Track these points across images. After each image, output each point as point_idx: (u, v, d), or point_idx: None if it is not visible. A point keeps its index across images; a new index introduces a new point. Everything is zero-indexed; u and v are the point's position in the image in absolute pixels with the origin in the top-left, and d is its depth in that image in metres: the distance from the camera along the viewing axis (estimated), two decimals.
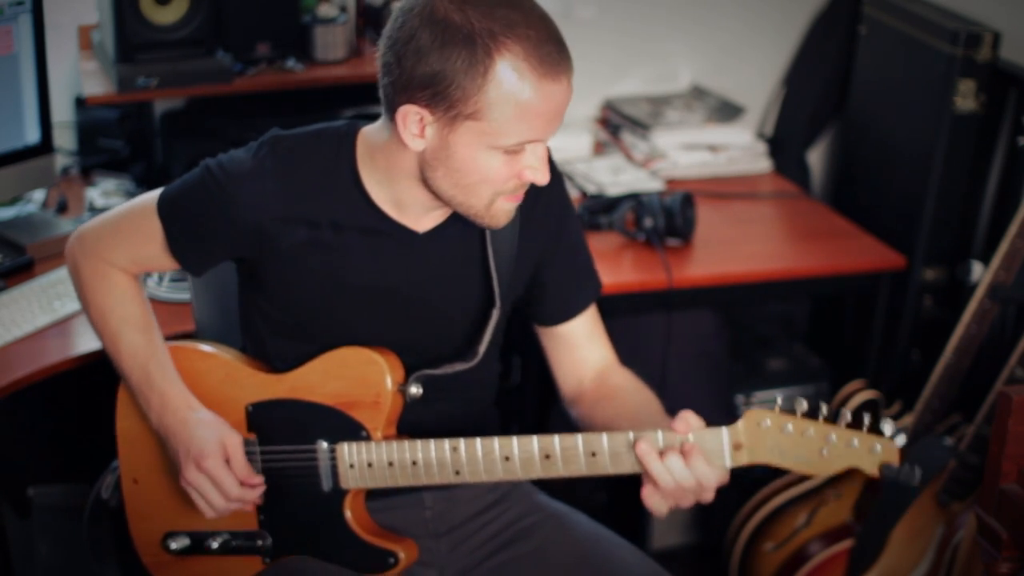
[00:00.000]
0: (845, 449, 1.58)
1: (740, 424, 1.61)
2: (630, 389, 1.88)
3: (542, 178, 1.64)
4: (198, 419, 1.76)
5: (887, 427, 1.59)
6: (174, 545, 1.86)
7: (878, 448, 1.58)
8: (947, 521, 2.50)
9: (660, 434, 1.64)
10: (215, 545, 1.85)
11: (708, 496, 1.64)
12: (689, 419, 1.63)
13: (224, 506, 1.75)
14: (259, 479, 1.77)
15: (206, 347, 1.86)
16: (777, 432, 1.60)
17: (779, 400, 1.62)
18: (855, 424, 1.59)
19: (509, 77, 1.53)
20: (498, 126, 1.56)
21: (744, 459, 1.62)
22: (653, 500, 1.65)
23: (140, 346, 1.81)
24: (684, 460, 1.60)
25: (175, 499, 1.86)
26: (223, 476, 1.73)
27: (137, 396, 1.81)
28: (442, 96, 1.55)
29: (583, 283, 1.92)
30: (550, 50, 1.54)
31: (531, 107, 1.55)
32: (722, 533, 2.84)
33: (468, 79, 1.53)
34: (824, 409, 1.60)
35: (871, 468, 1.59)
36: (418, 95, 1.57)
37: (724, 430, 1.62)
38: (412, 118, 1.59)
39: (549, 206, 1.83)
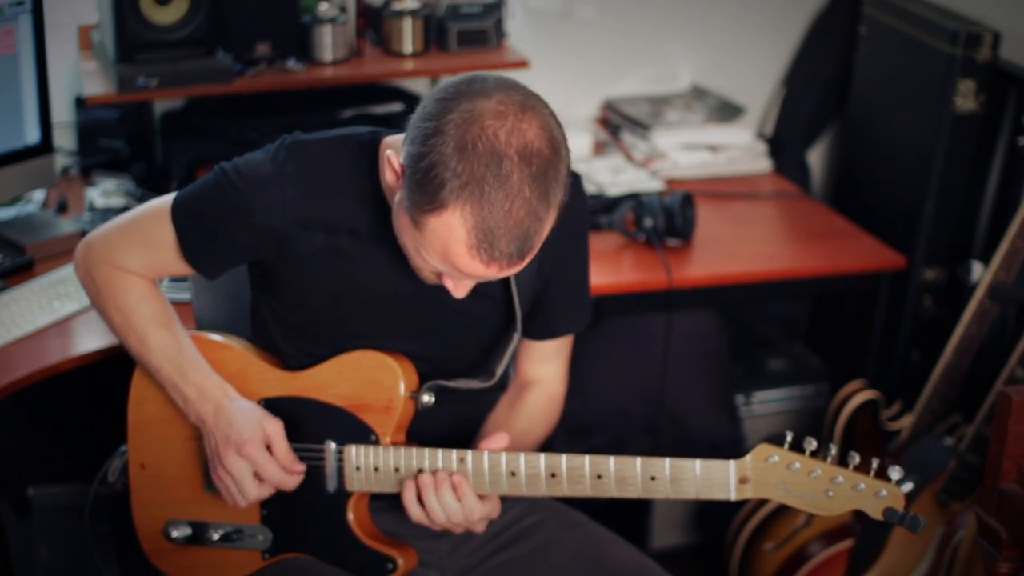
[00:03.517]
0: (851, 492, 1.59)
1: (748, 458, 1.62)
2: (527, 414, 1.90)
3: (456, 294, 1.64)
4: (236, 407, 1.76)
5: (894, 473, 1.59)
6: (175, 533, 1.87)
7: (883, 493, 1.59)
8: (947, 521, 2.50)
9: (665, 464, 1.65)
10: (216, 537, 1.86)
11: (479, 528, 1.76)
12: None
13: (257, 494, 1.75)
14: (301, 467, 1.77)
15: (219, 337, 1.87)
16: (784, 469, 1.61)
17: (789, 436, 1.62)
18: (862, 467, 1.60)
19: (450, 227, 1.51)
20: (426, 245, 1.56)
21: (749, 493, 1.63)
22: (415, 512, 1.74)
23: (168, 342, 1.81)
24: (456, 492, 1.70)
25: (181, 487, 1.86)
26: (264, 461, 1.74)
27: (169, 390, 1.81)
28: (410, 182, 1.54)
29: (573, 311, 1.91)
30: (499, 239, 1.50)
31: (454, 261, 1.54)
32: (722, 533, 2.84)
33: (427, 198, 1.51)
34: (833, 449, 1.61)
35: (875, 512, 1.60)
36: (405, 158, 1.55)
37: (731, 463, 1.63)
38: (394, 166, 1.59)
39: (569, 229, 1.79)
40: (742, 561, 2.76)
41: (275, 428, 1.75)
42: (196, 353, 1.81)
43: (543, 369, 1.93)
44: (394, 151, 1.61)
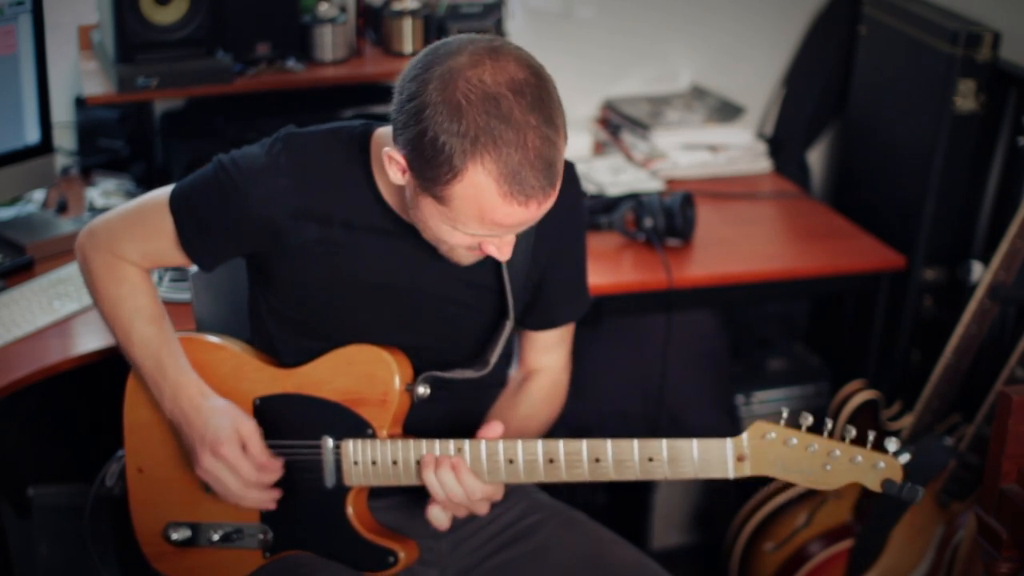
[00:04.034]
0: (848, 465, 1.59)
1: (744, 436, 1.62)
2: (530, 400, 1.91)
3: (501, 257, 1.65)
4: (212, 407, 1.77)
5: (891, 444, 1.59)
6: (175, 536, 1.87)
7: (881, 465, 1.59)
8: (947, 521, 2.50)
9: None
10: (216, 537, 1.86)
11: (481, 509, 1.75)
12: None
13: (242, 491, 1.76)
14: (277, 463, 1.77)
15: (215, 339, 1.87)
16: (780, 445, 1.61)
17: (784, 413, 1.62)
18: (859, 440, 1.60)
19: (477, 185, 1.52)
20: (458, 215, 1.57)
21: (746, 470, 1.63)
22: (433, 512, 1.75)
23: (151, 336, 1.81)
24: (455, 474, 1.70)
25: (179, 489, 1.86)
26: (239, 462, 1.74)
27: (150, 386, 1.82)
28: (418, 165, 1.55)
29: (571, 300, 1.92)
30: (527, 175, 1.52)
31: (492, 217, 1.55)
32: (722, 533, 2.84)
33: (442, 169, 1.52)
34: (829, 424, 1.61)
35: (873, 484, 1.60)
36: (403, 147, 1.56)
37: (728, 441, 1.63)
38: (396, 159, 1.60)
39: (564, 217, 1.81)
40: (742, 561, 2.76)
41: (249, 428, 1.76)
42: (179, 351, 1.82)
43: (546, 359, 1.94)
44: (389, 148, 1.61)
